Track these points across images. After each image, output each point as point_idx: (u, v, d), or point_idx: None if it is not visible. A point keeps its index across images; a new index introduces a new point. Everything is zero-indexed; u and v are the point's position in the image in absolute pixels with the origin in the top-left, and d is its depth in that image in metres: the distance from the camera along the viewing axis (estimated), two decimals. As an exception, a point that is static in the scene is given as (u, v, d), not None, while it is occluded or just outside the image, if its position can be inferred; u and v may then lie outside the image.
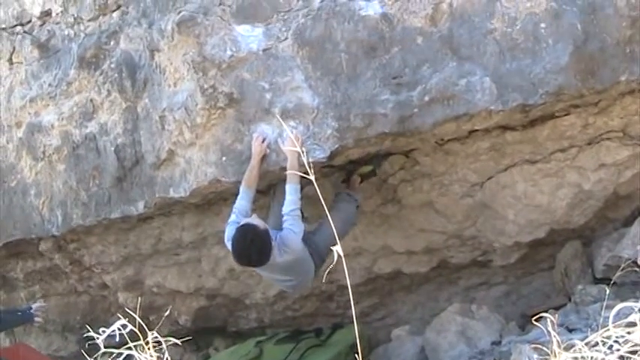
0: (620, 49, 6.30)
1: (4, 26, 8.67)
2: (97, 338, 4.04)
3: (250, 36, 6.84)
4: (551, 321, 4.29)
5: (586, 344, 3.88)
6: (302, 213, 6.75)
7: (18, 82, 8.52)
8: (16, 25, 8.57)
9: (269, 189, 7.41)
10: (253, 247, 6.52)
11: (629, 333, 3.80)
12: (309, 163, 4.90)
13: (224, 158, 6.98)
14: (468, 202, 7.87)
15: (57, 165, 8.12)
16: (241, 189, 6.86)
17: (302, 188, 6.68)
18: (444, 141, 7.29)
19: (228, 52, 6.81)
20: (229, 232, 6.75)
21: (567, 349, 4.05)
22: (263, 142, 6.80)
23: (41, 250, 8.91)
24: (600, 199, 7.71)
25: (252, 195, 6.89)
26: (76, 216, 8.07)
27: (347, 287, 4.94)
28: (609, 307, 4.08)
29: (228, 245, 6.72)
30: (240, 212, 6.79)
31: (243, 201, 6.83)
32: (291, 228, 6.65)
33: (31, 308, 7.97)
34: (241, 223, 6.62)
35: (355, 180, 7.60)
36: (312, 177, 4.45)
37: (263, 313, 9.35)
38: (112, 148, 7.68)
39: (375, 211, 8.12)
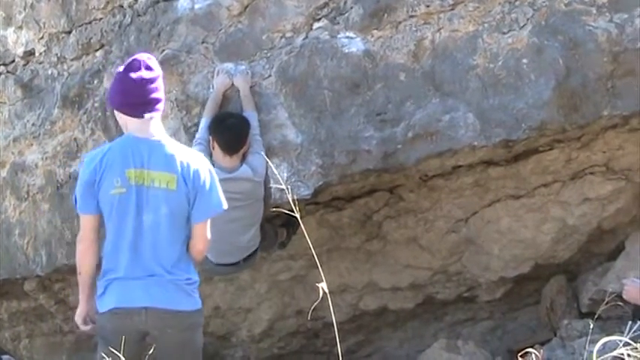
0: (601, 84, 6.29)
1: (-13, 66, 8.68)
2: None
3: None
4: (537, 356, 4.30)
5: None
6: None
7: (1, 122, 8.49)
8: (-1, 65, 8.59)
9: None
10: (232, 124, 6.58)
11: (614, 367, 3.81)
12: (293, 200, 4.89)
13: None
14: (453, 238, 7.87)
15: (41, 204, 8.08)
16: (204, 120, 6.71)
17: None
18: (428, 177, 7.29)
19: (212, 90, 6.84)
20: None
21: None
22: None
23: (26, 290, 8.84)
24: (584, 234, 7.72)
25: None
26: (60, 255, 7.99)
27: (333, 324, 4.92)
28: (594, 342, 4.08)
29: None
30: (204, 142, 6.61)
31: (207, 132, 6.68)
32: (257, 151, 6.57)
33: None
34: None
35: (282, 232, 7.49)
36: (297, 214, 4.46)
37: (249, 351, 9.29)
38: (96, 187, 7.65)
39: (360, 248, 8.10)
